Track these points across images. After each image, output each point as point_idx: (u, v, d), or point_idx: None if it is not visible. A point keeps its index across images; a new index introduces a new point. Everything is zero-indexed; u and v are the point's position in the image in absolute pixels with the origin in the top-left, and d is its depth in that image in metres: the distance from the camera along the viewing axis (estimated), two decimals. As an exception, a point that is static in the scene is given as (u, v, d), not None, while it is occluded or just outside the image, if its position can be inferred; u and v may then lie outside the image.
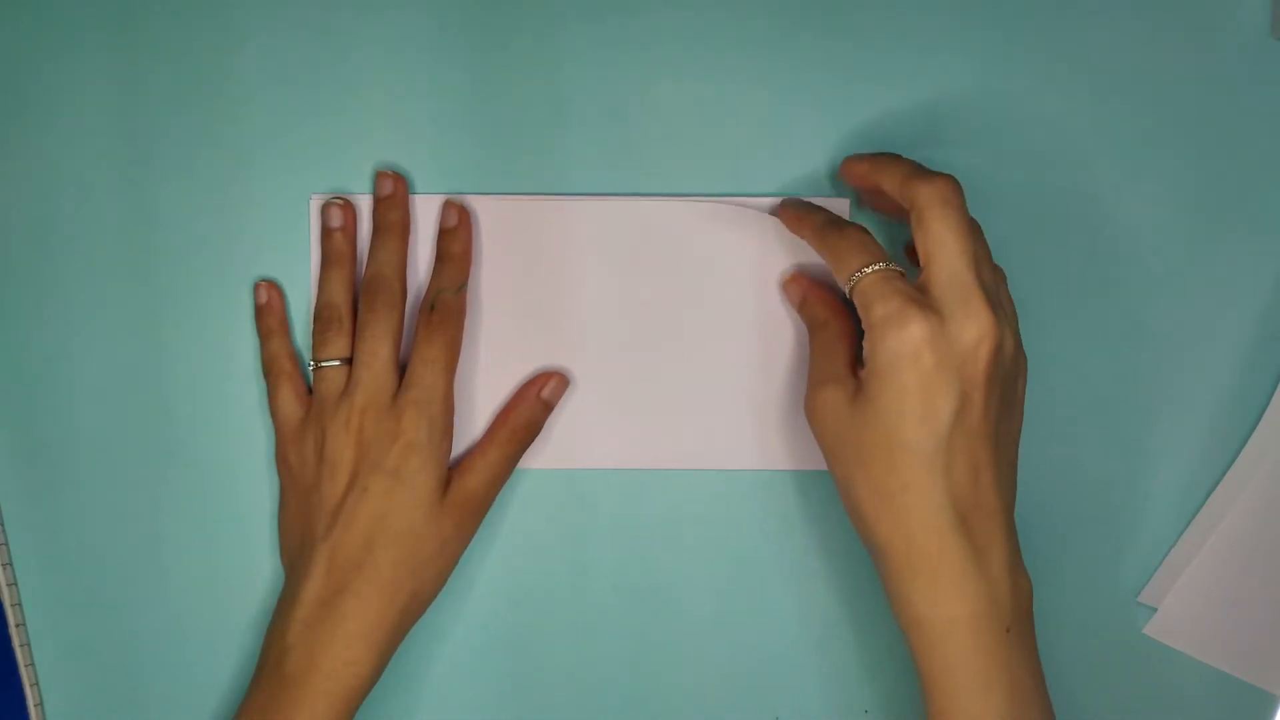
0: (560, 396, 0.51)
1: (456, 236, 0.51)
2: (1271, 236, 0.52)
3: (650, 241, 0.51)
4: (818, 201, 0.50)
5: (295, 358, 0.51)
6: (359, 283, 0.51)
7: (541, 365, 0.52)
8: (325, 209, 0.51)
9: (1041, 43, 0.52)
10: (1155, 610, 0.52)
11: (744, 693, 0.52)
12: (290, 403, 0.50)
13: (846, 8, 0.52)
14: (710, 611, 0.52)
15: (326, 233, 0.51)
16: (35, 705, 0.52)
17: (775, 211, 0.51)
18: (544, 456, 0.52)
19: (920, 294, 0.43)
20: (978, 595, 0.42)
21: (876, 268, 0.44)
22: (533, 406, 0.51)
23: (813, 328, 0.49)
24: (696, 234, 0.51)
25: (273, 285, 0.52)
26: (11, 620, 0.51)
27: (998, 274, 0.47)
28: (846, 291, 0.45)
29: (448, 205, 0.51)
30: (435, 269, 0.51)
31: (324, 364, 0.49)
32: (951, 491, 0.42)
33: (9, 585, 0.52)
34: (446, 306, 0.49)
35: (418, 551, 0.48)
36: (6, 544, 0.52)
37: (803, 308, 0.50)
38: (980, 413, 0.42)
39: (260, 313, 0.51)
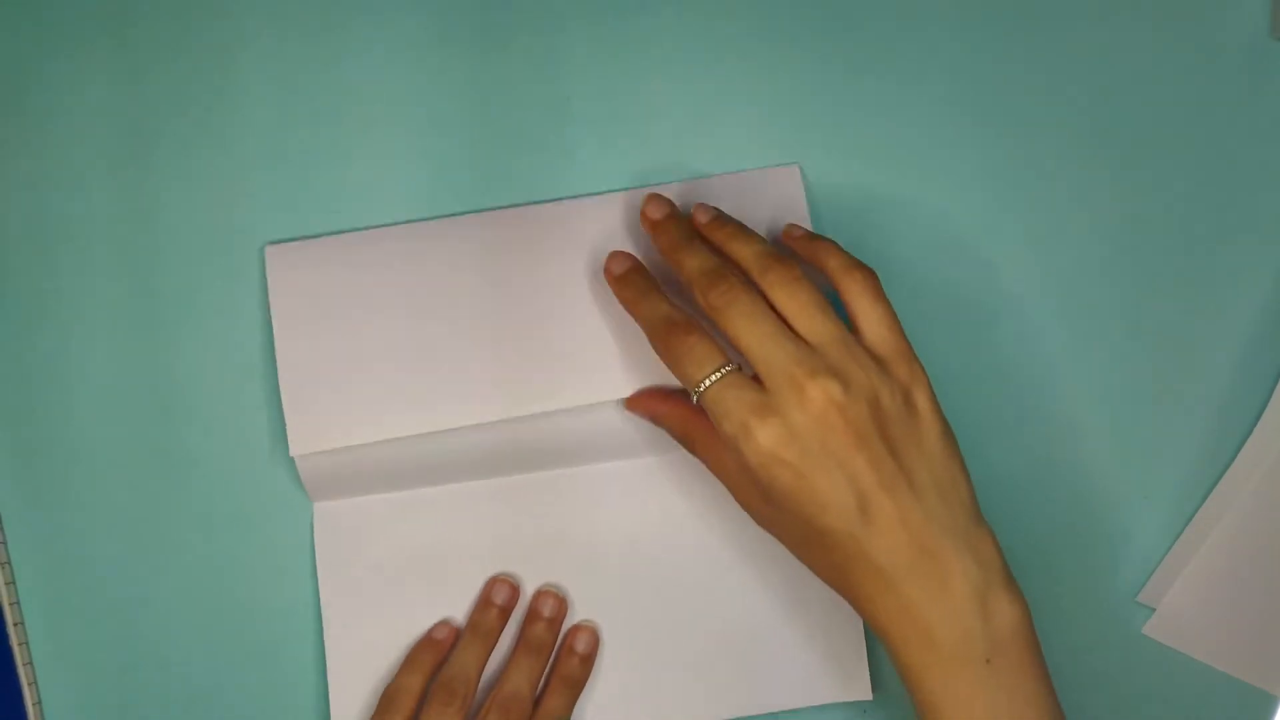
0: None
1: (585, 662, 0.50)
2: (1271, 236, 0.52)
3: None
4: (765, 173, 0.51)
5: (420, 699, 0.49)
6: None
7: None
8: (492, 584, 0.51)
9: (1041, 43, 0.52)
10: (1154, 610, 0.52)
11: None
12: None
13: (847, 8, 0.52)
14: None
15: (485, 603, 0.51)
16: (34, 705, 0.52)
17: (607, 278, 0.49)
18: None
19: (759, 392, 0.43)
20: (945, 636, 0.42)
21: (716, 376, 0.43)
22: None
23: (683, 442, 0.48)
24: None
25: (454, 627, 0.51)
26: (10, 620, 0.51)
27: (830, 326, 0.44)
28: (695, 401, 0.44)
29: (583, 629, 0.51)
30: (549, 684, 0.50)
31: None
32: (886, 551, 0.42)
33: (8, 585, 0.52)
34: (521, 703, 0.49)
35: None
36: (5, 544, 0.52)
37: (659, 423, 0.49)
38: (870, 470, 0.42)
39: (424, 643, 0.51)
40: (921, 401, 0.44)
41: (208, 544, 0.52)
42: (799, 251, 0.47)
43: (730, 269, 0.45)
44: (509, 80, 0.52)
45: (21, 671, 0.51)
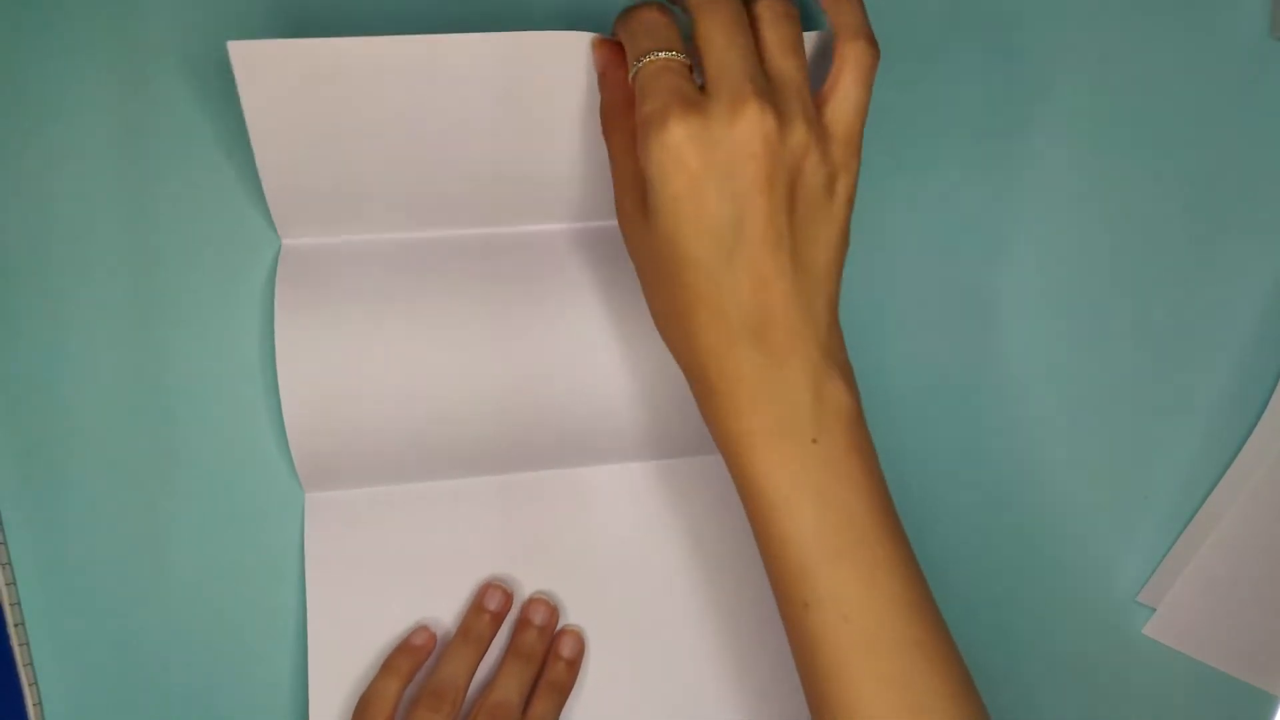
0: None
1: (571, 666, 0.50)
2: (1271, 236, 0.52)
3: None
4: None
5: (396, 705, 0.48)
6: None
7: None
8: (486, 589, 0.50)
9: (1041, 43, 0.52)
10: (1154, 610, 0.52)
11: None
12: None
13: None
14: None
15: (475, 608, 0.50)
16: (34, 705, 0.52)
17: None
18: None
19: (695, 89, 0.40)
20: (772, 407, 0.40)
21: (661, 55, 0.40)
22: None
23: (605, 112, 0.44)
24: None
25: (431, 633, 0.50)
26: (10, 620, 0.51)
27: (796, 73, 0.41)
28: (630, 79, 0.41)
29: (569, 633, 0.51)
30: (536, 689, 0.49)
31: None
32: (739, 304, 0.40)
33: (8, 585, 0.52)
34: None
35: None
36: (6, 544, 0.52)
37: (600, 81, 0.45)
38: (763, 218, 0.39)
39: (404, 648, 0.50)
40: (842, 190, 0.41)
41: (208, 545, 0.52)
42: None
43: None
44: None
45: (21, 671, 0.51)
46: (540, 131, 0.49)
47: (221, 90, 0.52)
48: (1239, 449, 0.52)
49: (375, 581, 0.51)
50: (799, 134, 0.39)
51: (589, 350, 0.50)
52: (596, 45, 0.44)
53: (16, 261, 0.52)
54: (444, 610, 0.51)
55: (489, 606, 0.50)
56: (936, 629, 0.41)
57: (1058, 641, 0.52)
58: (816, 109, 0.41)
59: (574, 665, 0.50)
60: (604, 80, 0.44)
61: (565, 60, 0.47)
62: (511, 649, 0.50)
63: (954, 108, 0.52)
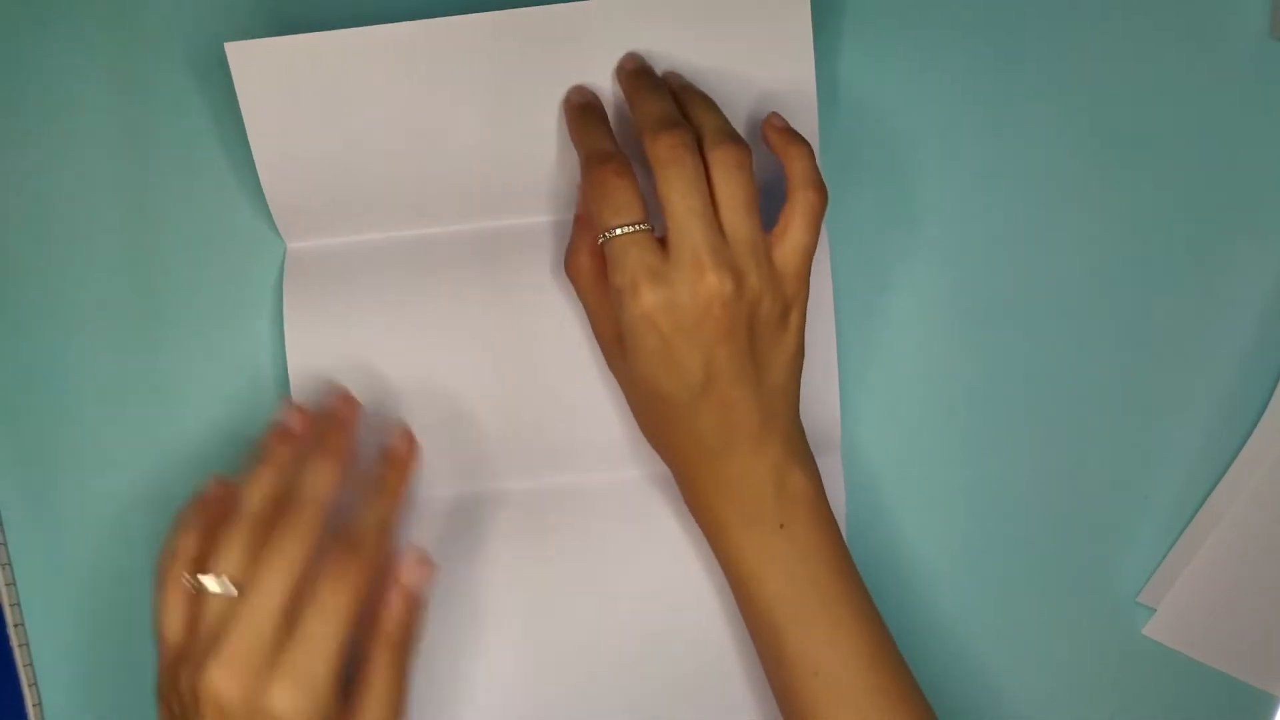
0: (429, 582, 0.47)
1: (400, 468, 0.48)
2: (1271, 236, 0.52)
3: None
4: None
5: (197, 564, 0.44)
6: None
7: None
8: (284, 407, 0.48)
9: (1042, 43, 0.52)
10: (1154, 611, 0.52)
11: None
12: (175, 619, 0.44)
13: (845, 8, 0.52)
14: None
15: (273, 430, 0.47)
16: (34, 705, 0.52)
17: (564, 109, 0.49)
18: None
19: (660, 257, 0.45)
20: (743, 500, 0.46)
21: (624, 230, 0.45)
22: (401, 609, 0.46)
23: (579, 270, 0.49)
24: None
25: (227, 482, 0.47)
26: (10, 620, 0.51)
27: (749, 230, 0.45)
28: (600, 245, 0.46)
29: (401, 432, 0.49)
30: (366, 497, 0.46)
31: (207, 581, 0.43)
32: (710, 428, 0.46)
33: (8, 585, 0.52)
34: (361, 545, 0.44)
35: None
36: (6, 544, 0.52)
37: (574, 226, 0.50)
38: (727, 360, 0.45)
39: (192, 503, 0.46)
40: (794, 318, 0.46)
41: (208, 544, 0.52)
42: (771, 142, 0.48)
43: (686, 127, 0.45)
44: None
45: (21, 672, 0.51)
46: (540, 113, 0.49)
47: (222, 89, 0.52)
48: (1239, 449, 0.52)
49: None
50: (753, 286, 0.45)
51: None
52: (581, 187, 0.49)
53: (17, 261, 0.52)
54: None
55: (289, 424, 0.47)
56: (897, 676, 0.46)
57: (1058, 641, 0.52)
58: (769, 248, 0.46)
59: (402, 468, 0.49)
60: (577, 223, 0.49)
61: (561, 35, 0.48)
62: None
63: (954, 107, 0.52)
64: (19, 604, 0.52)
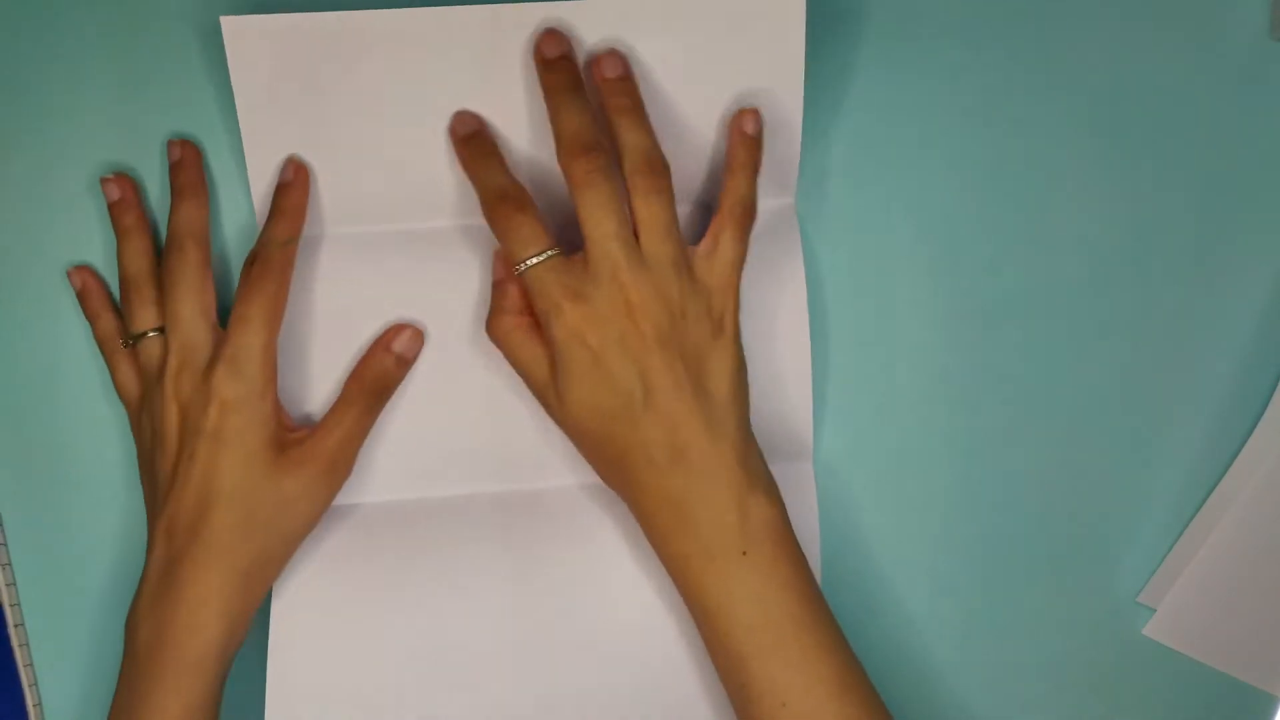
0: (416, 351, 0.50)
1: (290, 191, 0.49)
2: (1271, 236, 0.52)
3: None
4: None
5: (124, 334, 0.50)
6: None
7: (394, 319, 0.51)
8: (103, 184, 0.50)
9: (1041, 44, 0.52)
10: (1154, 611, 0.52)
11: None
12: (129, 380, 0.49)
13: (845, 8, 0.52)
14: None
15: (110, 208, 0.51)
16: (34, 705, 0.52)
17: (452, 138, 0.49)
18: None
19: (577, 277, 0.45)
20: (703, 528, 0.45)
21: (538, 259, 0.46)
22: (383, 360, 0.50)
23: (497, 314, 0.49)
24: None
25: (85, 269, 0.51)
26: (11, 620, 0.51)
27: (670, 249, 0.46)
28: (518, 277, 0.47)
29: (287, 161, 0.50)
30: (265, 222, 0.49)
31: (137, 337, 0.49)
32: (659, 444, 0.45)
33: (8, 585, 0.52)
34: (269, 260, 0.48)
35: (255, 512, 0.47)
36: (6, 544, 0.52)
37: (494, 289, 0.50)
38: (662, 369, 0.45)
39: (80, 297, 0.51)
40: (728, 327, 0.47)
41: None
42: (731, 140, 0.48)
43: (604, 142, 0.46)
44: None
45: (22, 672, 0.51)
46: (534, 106, 0.49)
47: (222, 89, 0.52)
48: (1239, 449, 0.52)
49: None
50: (674, 298, 0.45)
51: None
52: (495, 256, 0.50)
53: (16, 261, 0.52)
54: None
55: (113, 196, 0.51)
56: (867, 704, 0.45)
57: (1058, 642, 0.52)
58: (695, 262, 0.46)
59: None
60: (496, 287, 0.49)
61: (562, 25, 0.47)
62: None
63: (954, 107, 0.52)
64: (19, 604, 0.52)
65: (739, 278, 0.47)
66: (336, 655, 0.49)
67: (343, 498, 0.50)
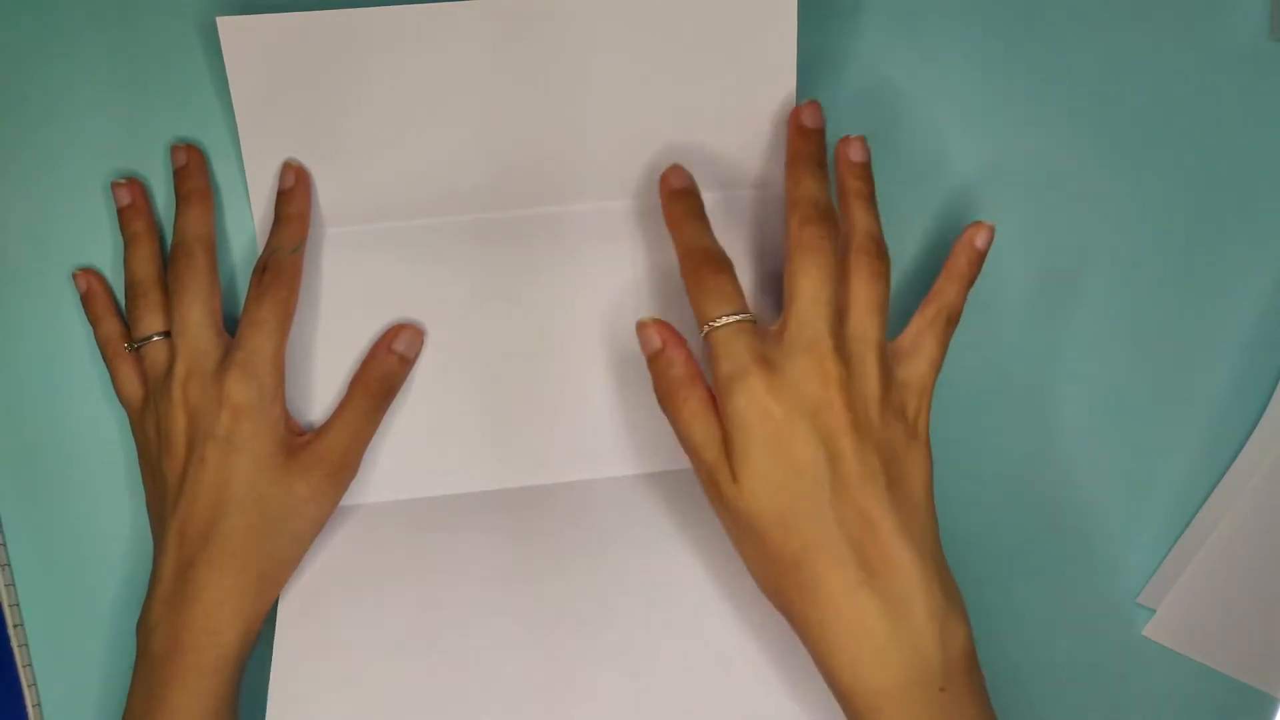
0: (417, 350, 0.50)
1: (293, 197, 0.49)
2: (1271, 237, 0.52)
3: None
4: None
5: (127, 338, 0.50)
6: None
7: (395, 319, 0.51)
8: (113, 189, 0.51)
9: (1041, 43, 0.52)
10: (1154, 611, 0.52)
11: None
12: (131, 384, 0.49)
13: (845, 7, 0.52)
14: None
15: (119, 212, 0.51)
16: (34, 705, 0.52)
17: (661, 189, 0.48)
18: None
19: (769, 345, 0.43)
20: (901, 661, 0.41)
21: (727, 320, 0.43)
22: (386, 361, 0.50)
23: (668, 387, 0.45)
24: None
25: (91, 272, 0.51)
26: (10, 620, 0.51)
27: (875, 331, 0.44)
28: (702, 336, 0.44)
29: (285, 166, 0.50)
30: (271, 230, 0.49)
31: (142, 341, 0.49)
32: (852, 543, 0.41)
33: (8, 585, 0.52)
34: (279, 267, 0.48)
35: (266, 516, 0.47)
36: (5, 544, 0.52)
37: (656, 358, 0.46)
38: (853, 456, 0.41)
39: (84, 300, 0.51)
40: (923, 431, 0.44)
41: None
42: (949, 260, 0.48)
43: (836, 222, 0.45)
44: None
45: (21, 672, 0.51)
46: (540, 103, 0.49)
47: (225, 90, 0.52)
48: (1239, 449, 0.52)
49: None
50: (873, 384, 0.42)
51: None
52: (644, 327, 0.46)
53: (17, 262, 0.52)
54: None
55: (123, 201, 0.51)
56: None
57: (1058, 642, 0.52)
58: (895, 360, 0.45)
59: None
60: (661, 356, 0.46)
61: (560, 19, 0.47)
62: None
63: (953, 107, 0.52)
64: (18, 604, 0.52)
65: (934, 381, 0.45)
66: (340, 656, 0.49)
67: (344, 499, 0.50)
